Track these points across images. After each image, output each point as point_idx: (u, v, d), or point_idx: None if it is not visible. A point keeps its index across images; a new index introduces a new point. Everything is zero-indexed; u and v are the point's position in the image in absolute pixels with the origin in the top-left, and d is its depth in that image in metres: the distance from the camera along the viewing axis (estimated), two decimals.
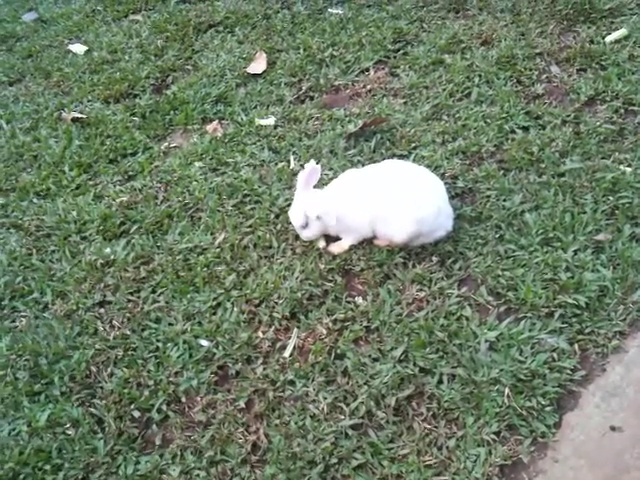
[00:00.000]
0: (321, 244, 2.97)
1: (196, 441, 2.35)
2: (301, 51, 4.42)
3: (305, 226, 2.90)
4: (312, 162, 2.87)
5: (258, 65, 4.39)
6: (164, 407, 2.47)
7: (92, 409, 2.48)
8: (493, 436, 2.25)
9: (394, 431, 2.31)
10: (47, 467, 2.30)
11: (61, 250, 3.16)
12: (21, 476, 2.29)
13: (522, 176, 3.17)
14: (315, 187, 2.93)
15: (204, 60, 4.56)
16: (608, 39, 3.99)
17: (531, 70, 3.87)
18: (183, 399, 2.48)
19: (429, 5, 4.69)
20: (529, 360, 2.41)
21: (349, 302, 2.74)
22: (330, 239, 2.99)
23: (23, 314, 2.89)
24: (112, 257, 3.06)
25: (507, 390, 2.33)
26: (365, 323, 2.64)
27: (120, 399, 2.49)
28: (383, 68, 4.18)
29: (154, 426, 2.43)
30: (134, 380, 2.54)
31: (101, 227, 3.25)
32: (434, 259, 2.82)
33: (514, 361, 2.42)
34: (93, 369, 2.61)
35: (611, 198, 2.98)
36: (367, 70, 4.18)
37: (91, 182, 3.62)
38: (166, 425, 2.44)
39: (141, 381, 2.54)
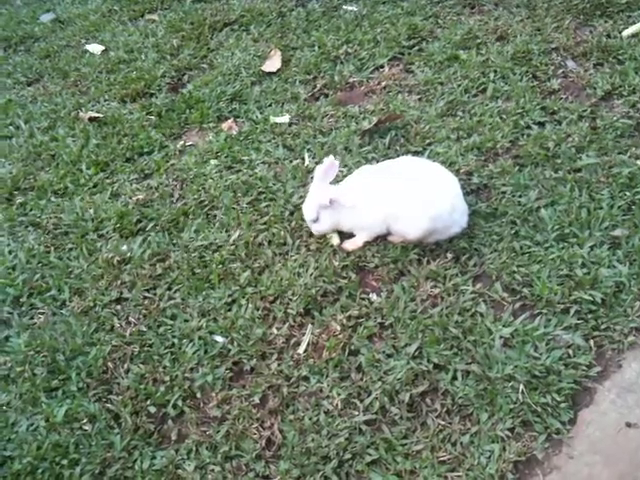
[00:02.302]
0: (335, 241, 2.97)
1: (211, 436, 2.37)
2: (316, 49, 4.42)
3: (316, 220, 2.91)
4: (331, 157, 2.87)
5: (273, 63, 4.41)
6: (180, 403, 2.49)
7: (109, 405, 2.51)
8: (507, 432, 2.24)
9: (408, 427, 2.32)
10: (64, 462, 2.33)
11: (78, 248, 3.20)
12: (39, 470, 2.32)
13: (538, 172, 3.15)
14: (331, 184, 2.94)
15: (219, 59, 4.58)
16: (625, 33, 3.95)
17: (547, 65, 3.85)
18: (198, 395, 2.50)
19: (444, 1, 4.69)
20: (544, 356, 2.40)
21: (363, 299, 2.74)
22: (344, 236, 2.99)
23: (41, 311, 2.93)
24: (129, 254, 3.10)
25: (522, 386, 2.33)
26: (379, 319, 2.64)
27: (136, 395, 2.52)
28: (398, 65, 4.18)
29: (170, 421, 2.45)
30: (150, 376, 2.57)
31: (118, 225, 3.28)
32: (449, 255, 2.82)
33: (529, 357, 2.41)
34: (110, 365, 2.64)
35: (628, 193, 2.95)
36: (382, 67, 4.17)
37: (108, 180, 3.66)
38: (182, 420, 2.46)
39: (157, 377, 2.57)
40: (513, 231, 2.88)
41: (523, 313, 2.59)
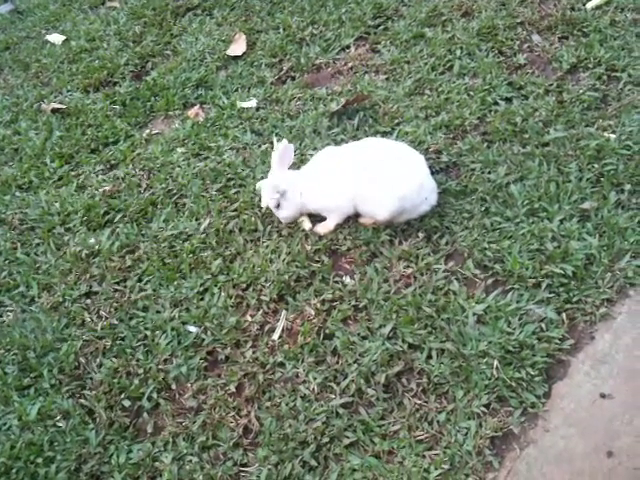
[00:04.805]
0: (307, 225, 2.95)
1: (187, 427, 2.35)
2: (281, 31, 4.37)
3: (278, 207, 2.89)
4: (284, 141, 2.86)
5: (238, 47, 4.34)
6: (154, 395, 2.46)
7: (82, 400, 2.48)
8: (483, 408, 2.25)
9: (384, 408, 2.32)
10: (39, 460, 2.30)
11: (45, 242, 3.14)
12: (13, 470, 2.29)
13: (506, 147, 3.14)
14: (296, 168, 2.92)
15: (183, 44, 4.51)
16: (589, 5, 3.94)
17: (512, 40, 3.82)
18: (173, 386, 2.48)
19: None
20: (517, 331, 2.41)
21: (337, 282, 2.73)
22: (315, 220, 2.97)
23: (9, 308, 2.88)
24: (97, 247, 3.05)
25: (496, 362, 2.33)
26: (353, 302, 2.63)
27: (110, 389, 2.49)
28: (364, 45, 4.13)
29: (145, 414, 2.43)
30: (123, 369, 2.54)
31: (85, 217, 3.23)
32: (420, 235, 2.81)
33: (502, 333, 2.41)
34: (82, 360, 2.61)
35: (596, 166, 2.95)
36: (348, 47, 4.13)
37: (73, 173, 3.60)
38: (157, 413, 2.44)
39: (130, 370, 2.54)
40: (483, 208, 2.88)
41: (495, 289, 2.59)
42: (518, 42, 3.80)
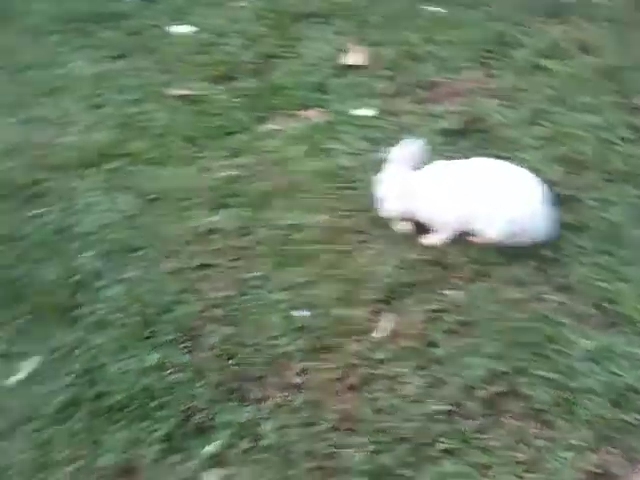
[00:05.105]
0: (410, 232, 3.02)
1: (291, 401, 2.40)
2: (399, 46, 4.47)
3: (386, 200, 2.97)
4: (415, 140, 2.94)
5: (356, 57, 4.47)
6: (261, 366, 2.53)
7: (195, 360, 2.56)
8: (584, 443, 2.22)
9: (482, 423, 2.31)
10: (153, 404, 2.38)
11: (169, 214, 3.29)
12: (129, 409, 2.38)
13: (625, 189, 3.14)
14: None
15: (303, 49, 4.66)
16: None
17: (633, 82, 3.81)
18: (279, 361, 2.55)
19: (530, 9, 4.68)
20: (627, 374, 2.38)
21: (442, 294, 2.76)
22: (424, 230, 3.04)
23: (132, 267, 2.99)
24: (216, 225, 3.18)
25: (602, 400, 2.31)
26: (459, 317, 2.66)
27: (221, 354, 2.57)
28: (481, 68, 4.21)
29: (251, 382, 2.49)
30: (234, 338, 2.63)
31: (206, 197, 3.37)
32: (531, 263, 2.82)
33: (611, 373, 2.39)
34: (197, 323, 2.70)
35: None
36: (465, 69, 4.20)
37: (196, 155, 3.75)
38: (262, 383, 2.49)
39: (240, 340, 2.62)
40: (598, 246, 2.88)
41: (607, 329, 2.57)
42: (638, 84, 3.79)
